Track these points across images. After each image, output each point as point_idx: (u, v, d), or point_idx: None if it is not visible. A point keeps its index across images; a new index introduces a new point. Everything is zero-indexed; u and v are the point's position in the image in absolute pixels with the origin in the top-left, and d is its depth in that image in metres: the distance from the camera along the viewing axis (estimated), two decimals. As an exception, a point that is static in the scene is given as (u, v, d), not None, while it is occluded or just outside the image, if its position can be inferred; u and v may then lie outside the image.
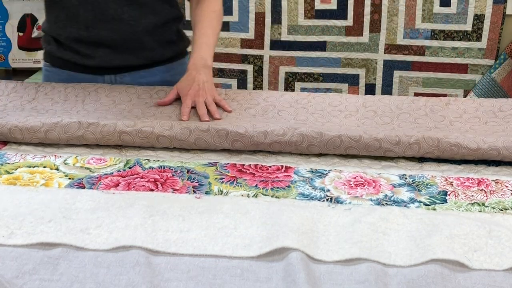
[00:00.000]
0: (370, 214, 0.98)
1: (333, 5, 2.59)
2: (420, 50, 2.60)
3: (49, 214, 0.97)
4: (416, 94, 2.64)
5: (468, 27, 2.54)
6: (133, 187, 1.09)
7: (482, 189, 1.09)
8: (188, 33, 1.66)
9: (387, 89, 2.67)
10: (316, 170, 1.17)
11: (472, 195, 1.07)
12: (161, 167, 1.17)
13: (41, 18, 2.53)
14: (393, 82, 2.66)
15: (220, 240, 0.92)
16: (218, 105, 1.41)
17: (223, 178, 1.13)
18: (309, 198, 1.06)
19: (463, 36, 2.56)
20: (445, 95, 2.62)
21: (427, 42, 2.58)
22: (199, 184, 1.10)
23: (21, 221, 0.96)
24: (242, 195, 1.06)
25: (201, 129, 1.23)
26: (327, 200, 1.05)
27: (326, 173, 1.15)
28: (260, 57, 2.69)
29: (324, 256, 0.89)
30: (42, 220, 0.96)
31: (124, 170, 1.15)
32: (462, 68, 2.60)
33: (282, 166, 1.18)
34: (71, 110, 1.41)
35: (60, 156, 1.22)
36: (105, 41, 1.54)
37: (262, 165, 1.18)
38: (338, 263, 0.88)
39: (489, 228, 0.94)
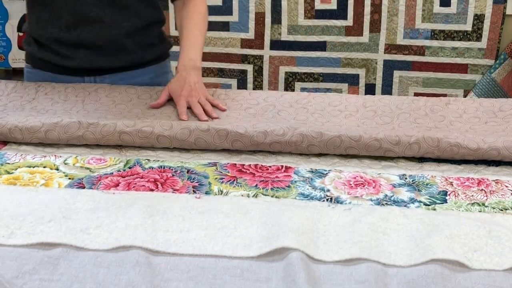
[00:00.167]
0: (370, 214, 0.98)
1: (333, 5, 2.59)
2: (420, 50, 2.60)
3: (49, 214, 0.97)
4: (416, 94, 2.64)
5: (468, 27, 2.54)
6: (133, 187, 1.09)
7: (482, 189, 1.09)
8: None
9: (387, 89, 2.68)
10: (316, 170, 1.17)
11: (472, 195, 1.07)
12: (161, 167, 1.17)
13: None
14: (393, 82, 2.66)
15: (220, 240, 0.92)
16: (212, 105, 1.42)
17: (223, 178, 1.13)
18: (309, 198, 1.06)
19: (463, 36, 2.56)
20: (445, 95, 2.62)
21: (427, 42, 2.58)
22: (199, 184, 1.10)
23: (21, 221, 0.96)
24: (242, 195, 1.06)
25: (201, 129, 1.23)
26: (327, 200, 1.05)
27: (326, 173, 1.15)
28: (260, 57, 2.69)
29: (324, 256, 0.89)
30: (42, 220, 0.96)
31: (124, 170, 1.15)
32: (462, 68, 2.60)
33: (282, 166, 1.18)
34: (71, 110, 1.41)
35: (60, 156, 1.22)
36: (86, 43, 1.54)
37: (262, 165, 1.18)
38: (338, 263, 0.88)
39: (489, 228, 0.94)
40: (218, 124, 1.25)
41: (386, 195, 1.07)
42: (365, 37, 2.61)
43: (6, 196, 1.04)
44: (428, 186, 1.10)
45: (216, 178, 1.13)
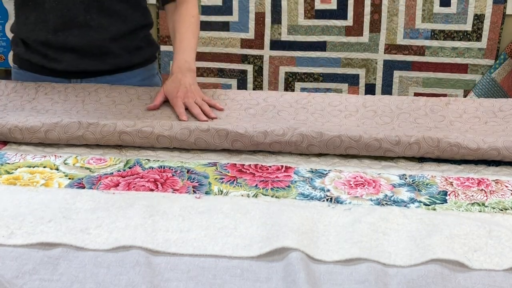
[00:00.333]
0: (370, 214, 0.98)
1: (333, 5, 2.59)
2: (420, 50, 2.60)
3: (49, 214, 0.97)
4: (416, 94, 2.64)
5: (468, 27, 2.54)
6: (133, 187, 1.09)
7: (482, 189, 1.09)
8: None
9: (387, 89, 2.68)
10: (316, 170, 1.17)
11: (472, 195, 1.07)
12: (161, 167, 1.17)
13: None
14: (393, 82, 2.66)
15: (220, 240, 0.92)
16: (209, 105, 1.42)
17: (223, 178, 1.13)
18: (309, 198, 1.06)
19: (463, 36, 2.56)
20: (445, 95, 2.62)
21: (427, 42, 2.58)
22: (199, 184, 1.10)
23: (21, 221, 0.96)
24: (242, 195, 1.06)
25: (201, 129, 1.23)
26: (327, 200, 1.05)
27: (326, 173, 1.15)
28: (260, 57, 2.69)
29: (324, 256, 0.89)
30: (42, 220, 0.96)
31: (124, 170, 1.15)
32: (462, 68, 2.60)
33: (282, 166, 1.18)
34: (71, 110, 1.41)
35: (60, 156, 1.22)
36: (72, 46, 1.54)
37: (262, 165, 1.18)
38: (338, 263, 0.88)
39: (489, 228, 0.94)
40: (218, 124, 1.25)
41: (386, 195, 1.07)
42: (365, 37, 2.61)
43: (6, 196, 1.04)
44: (428, 186, 1.10)
45: (216, 178, 1.13)
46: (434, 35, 2.57)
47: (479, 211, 1.02)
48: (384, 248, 0.90)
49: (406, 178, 1.13)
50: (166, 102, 1.46)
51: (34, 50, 1.57)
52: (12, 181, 1.11)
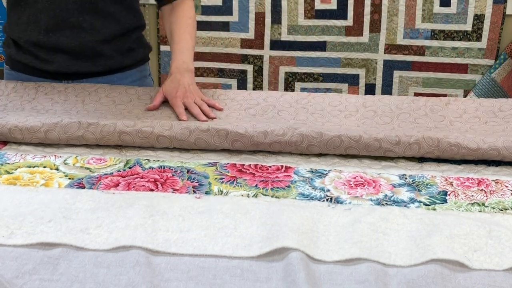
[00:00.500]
0: (370, 214, 0.98)
1: (333, 5, 2.59)
2: (420, 50, 2.60)
3: (49, 214, 0.97)
4: (416, 94, 2.64)
5: (468, 27, 2.54)
6: (133, 187, 1.09)
7: (482, 189, 1.09)
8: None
9: (387, 89, 2.68)
10: (316, 170, 1.17)
11: (472, 195, 1.07)
12: (161, 167, 1.17)
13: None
14: (393, 82, 2.66)
15: (220, 240, 0.92)
16: (208, 105, 1.42)
17: (223, 178, 1.13)
18: (309, 198, 1.06)
19: (463, 36, 2.56)
20: (445, 95, 2.62)
21: (427, 42, 2.58)
22: (199, 184, 1.10)
23: (21, 221, 0.96)
24: (242, 195, 1.06)
25: (201, 129, 1.23)
26: (327, 200, 1.05)
27: (326, 173, 1.15)
28: (260, 57, 2.69)
29: (324, 256, 0.89)
30: (42, 220, 0.96)
31: (124, 170, 1.15)
32: (462, 68, 2.60)
33: (282, 166, 1.18)
34: (71, 110, 1.41)
35: (60, 156, 1.22)
36: (64, 47, 1.53)
37: (262, 165, 1.18)
38: (338, 263, 0.88)
39: (489, 228, 0.94)
40: (218, 124, 1.25)
41: (386, 195, 1.07)
42: (365, 37, 2.61)
43: (6, 196, 1.04)
44: (428, 186, 1.10)
45: (216, 178, 1.13)
46: (434, 35, 2.57)
47: (479, 211, 1.02)
48: (384, 248, 0.90)
49: (406, 178, 1.13)
50: (165, 102, 1.46)
51: (25, 51, 1.57)
52: (12, 181, 1.11)
